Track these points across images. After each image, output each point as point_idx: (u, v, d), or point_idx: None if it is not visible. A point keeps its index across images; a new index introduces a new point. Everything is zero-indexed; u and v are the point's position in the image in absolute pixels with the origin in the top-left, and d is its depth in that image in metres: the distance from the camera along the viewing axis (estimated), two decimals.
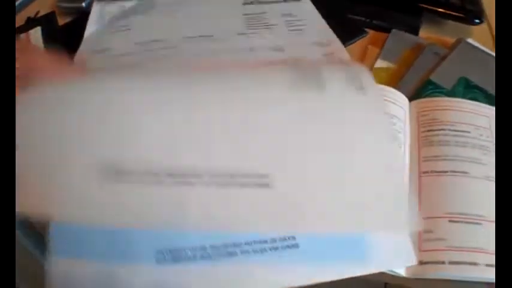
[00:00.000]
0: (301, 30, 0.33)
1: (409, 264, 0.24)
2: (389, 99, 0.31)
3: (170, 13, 0.36)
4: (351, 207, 0.22)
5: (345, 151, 0.23)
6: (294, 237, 0.23)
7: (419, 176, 0.29)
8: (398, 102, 0.32)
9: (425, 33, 0.39)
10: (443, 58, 0.35)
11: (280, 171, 0.22)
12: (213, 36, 0.33)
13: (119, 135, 0.22)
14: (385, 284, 0.27)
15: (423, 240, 0.27)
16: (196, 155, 0.22)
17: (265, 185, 0.21)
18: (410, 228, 0.23)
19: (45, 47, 0.35)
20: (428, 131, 0.31)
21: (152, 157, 0.21)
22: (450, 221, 0.27)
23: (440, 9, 0.39)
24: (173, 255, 0.22)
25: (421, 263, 0.26)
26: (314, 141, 0.23)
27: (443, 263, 0.26)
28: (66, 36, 0.37)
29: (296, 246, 0.23)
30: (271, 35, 0.33)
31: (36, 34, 0.36)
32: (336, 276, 0.23)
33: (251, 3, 0.36)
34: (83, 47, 0.34)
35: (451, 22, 0.39)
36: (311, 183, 0.22)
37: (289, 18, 0.34)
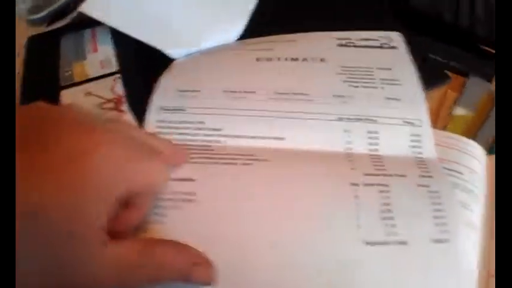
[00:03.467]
0: (398, 99, 0.30)
1: None
2: (470, 153, 0.30)
3: (264, 54, 0.32)
4: None
5: None
6: None
7: (492, 234, 0.28)
8: (477, 156, 0.30)
9: None
10: None
11: None
12: (308, 95, 0.30)
13: None
14: None
15: None
16: None
17: None
18: None
19: None
20: None
21: None
22: None
23: None
24: None
25: None
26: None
27: None
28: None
29: None
30: (367, 101, 0.30)
31: None
32: None
33: (346, 45, 0.33)
34: (166, 81, 0.30)
35: None
36: None
37: (386, 77, 0.31)
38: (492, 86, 0.36)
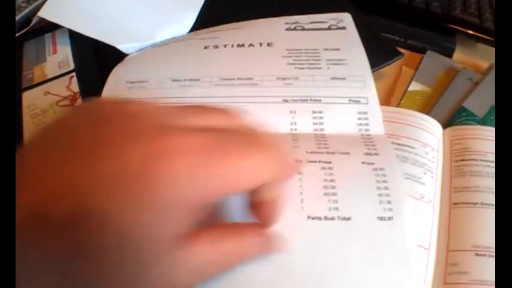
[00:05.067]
0: (343, 79, 0.29)
1: None
2: (424, 127, 0.29)
3: (211, 42, 0.32)
4: None
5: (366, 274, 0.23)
6: None
7: (450, 208, 0.27)
8: (432, 131, 0.29)
9: (459, 55, 0.36)
10: (476, 84, 0.33)
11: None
12: (252, 79, 0.30)
13: None
14: None
15: (448, 273, 0.26)
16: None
17: None
18: None
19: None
20: (461, 160, 0.28)
21: None
22: (476, 254, 0.25)
23: (473, 32, 0.36)
24: None
25: None
26: (338, 263, 0.23)
27: None
28: None
29: None
30: (312, 82, 0.29)
31: None
32: None
33: (294, 29, 0.32)
34: (116, 74, 0.30)
35: (484, 45, 0.36)
36: None
37: (332, 58, 0.30)
38: (452, 61, 0.35)
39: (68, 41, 0.35)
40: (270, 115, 0.28)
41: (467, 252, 0.26)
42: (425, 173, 0.28)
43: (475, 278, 0.24)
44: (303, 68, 0.30)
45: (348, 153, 0.27)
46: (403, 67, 0.34)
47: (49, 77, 0.32)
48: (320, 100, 0.29)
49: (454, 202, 0.28)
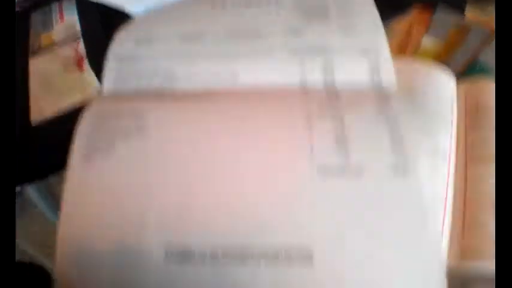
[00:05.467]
0: (354, 29, 0.28)
1: None
2: (437, 79, 0.28)
3: (219, 1, 0.31)
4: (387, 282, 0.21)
5: (380, 230, 0.22)
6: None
7: (466, 161, 0.26)
8: (446, 83, 0.28)
9: (469, 13, 0.34)
10: (491, 39, 0.32)
11: (322, 247, 0.21)
12: (259, 31, 0.28)
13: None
14: None
15: (466, 228, 0.25)
16: (248, 232, 0.21)
17: (309, 262, 0.21)
18: None
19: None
20: (476, 114, 0.28)
21: (210, 235, 0.21)
22: None
23: None
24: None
25: (463, 251, 0.24)
26: (352, 217, 0.22)
27: (487, 251, 0.23)
28: None
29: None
30: (321, 33, 0.28)
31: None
32: None
33: None
34: (123, 34, 0.29)
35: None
36: (351, 258, 0.21)
37: (342, 8, 0.29)
38: (464, 17, 0.34)
39: (74, 8, 0.35)
40: (278, 67, 0.27)
41: (486, 207, 0.25)
42: (439, 126, 0.27)
43: None
44: (311, 19, 0.29)
45: (359, 105, 0.26)
46: (415, 25, 0.32)
47: (56, 43, 0.33)
48: (330, 51, 0.27)
49: (470, 156, 0.27)
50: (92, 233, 0.22)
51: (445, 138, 0.26)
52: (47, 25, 0.34)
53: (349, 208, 0.23)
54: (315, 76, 0.27)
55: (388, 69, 0.27)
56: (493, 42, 0.31)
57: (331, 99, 0.26)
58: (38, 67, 0.31)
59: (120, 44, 0.30)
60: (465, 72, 0.30)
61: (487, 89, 0.29)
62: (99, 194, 0.23)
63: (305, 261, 0.21)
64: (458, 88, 0.29)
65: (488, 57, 0.30)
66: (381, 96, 0.26)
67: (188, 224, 0.22)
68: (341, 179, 0.23)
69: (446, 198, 0.25)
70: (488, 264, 0.23)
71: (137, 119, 0.25)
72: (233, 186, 0.23)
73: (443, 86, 0.28)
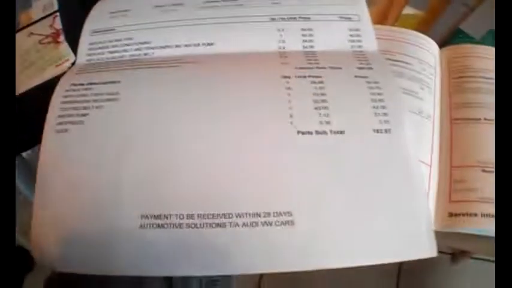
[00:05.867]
0: None
1: (428, 256, 0.21)
2: (419, 45, 0.27)
3: None
4: (371, 239, 0.21)
5: (362, 189, 0.21)
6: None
7: (451, 123, 0.25)
8: (428, 49, 0.27)
9: None
10: (473, 9, 0.32)
11: (302, 208, 0.21)
12: (237, 0, 0.28)
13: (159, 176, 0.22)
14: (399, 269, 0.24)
15: (453, 190, 0.24)
16: (226, 196, 0.21)
17: (289, 223, 0.21)
18: (430, 253, 0.21)
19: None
20: (460, 77, 0.27)
21: (188, 200, 0.21)
22: (483, 170, 0.23)
23: None
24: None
25: (451, 214, 0.23)
26: (333, 178, 0.22)
27: (475, 215, 0.22)
28: None
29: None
30: (301, 1, 0.28)
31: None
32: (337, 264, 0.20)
33: None
34: (99, 7, 0.29)
35: None
36: (332, 218, 0.21)
37: None
38: None
39: None
40: (257, 34, 0.26)
41: (473, 168, 0.24)
42: (422, 89, 0.26)
43: (484, 196, 0.22)
44: None
45: (339, 68, 0.25)
46: None
47: (34, 20, 0.32)
48: (309, 18, 0.27)
49: (454, 118, 0.26)
50: (68, 203, 0.21)
51: (429, 100, 0.26)
52: (26, 3, 0.33)
53: (330, 169, 0.22)
54: (293, 41, 0.26)
55: (368, 34, 0.27)
56: (475, 12, 0.31)
57: (311, 62, 0.25)
58: (16, 44, 0.30)
59: (95, 17, 0.29)
60: (448, 41, 0.30)
61: (471, 53, 0.28)
62: (73, 165, 0.22)
63: (286, 222, 0.21)
64: (441, 53, 0.29)
65: (471, 26, 0.30)
66: (361, 59, 0.26)
67: (163, 190, 0.21)
68: (321, 141, 0.22)
69: (431, 160, 0.24)
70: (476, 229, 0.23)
71: (109, 87, 0.24)
72: (209, 152, 0.22)
73: (425, 51, 0.28)
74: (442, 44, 0.29)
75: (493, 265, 0.20)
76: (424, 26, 0.30)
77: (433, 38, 0.29)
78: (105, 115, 0.23)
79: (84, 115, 0.23)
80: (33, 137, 0.24)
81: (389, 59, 0.27)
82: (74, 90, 0.24)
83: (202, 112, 0.23)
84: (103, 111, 0.23)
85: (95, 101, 0.23)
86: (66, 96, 0.24)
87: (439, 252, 0.21)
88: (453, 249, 0.36)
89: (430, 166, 0.24)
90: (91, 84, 0.24)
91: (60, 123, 0.23)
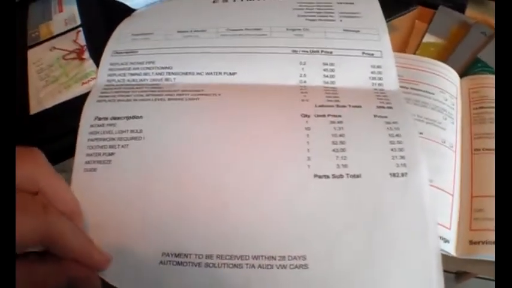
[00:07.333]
0: (357, 31, 0.28)
1: None
2: (442, 74, 0.28)
3: None
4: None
5: (376, 236, 0.21)
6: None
7: (472, 153, 0.26)
8: (450, 78, 0.28)
9: (470, 11, 0.34)
10: (490, 38, 0.32)
11: (316, 252, 0.21)
12: (261, 29, 0.28)
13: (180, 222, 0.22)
14: None
15: (473, 218, 0.24)
16: (244, 239, 0.22)
17: (303, 266, 0.21)
18: None
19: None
20: (480, 108, 0.27)
21: (207, 240, 0.22)
22: None
23: None
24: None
25: (470, 242, 0.23)
26: (347, 223, 0.22)
27: (493, 243, 0.23)
28: None
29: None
30: (324, 34, 0.28)
31: None
32: None
33: None
34: (122, 27, 0.29)
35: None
36: (345, 264, 0.21)
37: (346, 11, 0.29)
38: (464, 16, 0.34)
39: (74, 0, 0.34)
40: (278, 66, 0.27)
41: (490, 198, 0.24)
42: (445, 119, 0.26)
43: None
44: (314, 20, 0.29)
45: (359, 107, 0.25)
46: (416, 21, 0.32)
47: (55, 33, 0.31)
48: (331, 52, 0.27)
49: (475, 148, 0.26)
50: (95, 241, 0.21)
51: (451, 130, 0.26)
52: (46, 15, 0.33)
53: (345, 214, 0.22)
54: (314, 74, 0.26)
55: (390, 72, 0.27)
56: (493, 41, 0.31)
57: (330, 99, 0.25)
58: (37, 57, 0.30)
59: (118, 38, 0.29)
60: (467, 70, 0.30)
61: (491, 84, 0.29)
62: (101, 203, 0.22)
63: (300, 266, 0.21)
64: (461, 82, 0.29)
65: (489, 55, 0.31)
66: (381, 98, 0.26)
67: (185, 230, 0.22)
68: (337, 185, 0.22)
69: (453, 187, 0.25)
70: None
71: (132, 123, 0.24)
72: (229, 195, 0.22)
73: (447, 81, 0.28)
74: (461, 72, 0.30)
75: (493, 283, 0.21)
76: (444, 54, 0.31)
77: (452, 67, 0.30)
78: (130, 154, 0.23)
79: (111, 154, 0.23)
80: (55, 153, 0.24)
81: (413, 89, 0.27)
82: (98, 125, 0.24)
83: (222, 155, 0.23)
84: (128, 150, 0.23)
85: (119, 139, 0.24)
86: (92, 133, 0.24)
87: (445, 271, 0.21)
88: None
89: (452, 195, 0.24)
90: (114, 119, 0.24)
91: (88, 162, 0.23)
